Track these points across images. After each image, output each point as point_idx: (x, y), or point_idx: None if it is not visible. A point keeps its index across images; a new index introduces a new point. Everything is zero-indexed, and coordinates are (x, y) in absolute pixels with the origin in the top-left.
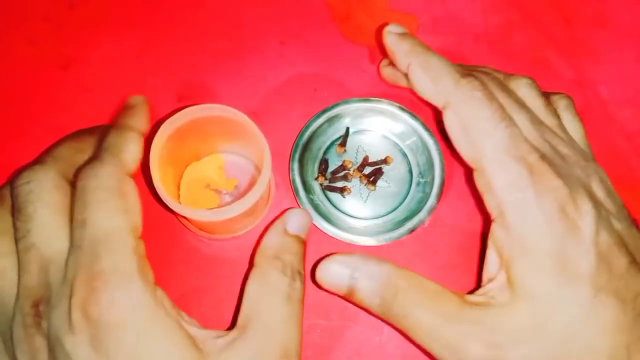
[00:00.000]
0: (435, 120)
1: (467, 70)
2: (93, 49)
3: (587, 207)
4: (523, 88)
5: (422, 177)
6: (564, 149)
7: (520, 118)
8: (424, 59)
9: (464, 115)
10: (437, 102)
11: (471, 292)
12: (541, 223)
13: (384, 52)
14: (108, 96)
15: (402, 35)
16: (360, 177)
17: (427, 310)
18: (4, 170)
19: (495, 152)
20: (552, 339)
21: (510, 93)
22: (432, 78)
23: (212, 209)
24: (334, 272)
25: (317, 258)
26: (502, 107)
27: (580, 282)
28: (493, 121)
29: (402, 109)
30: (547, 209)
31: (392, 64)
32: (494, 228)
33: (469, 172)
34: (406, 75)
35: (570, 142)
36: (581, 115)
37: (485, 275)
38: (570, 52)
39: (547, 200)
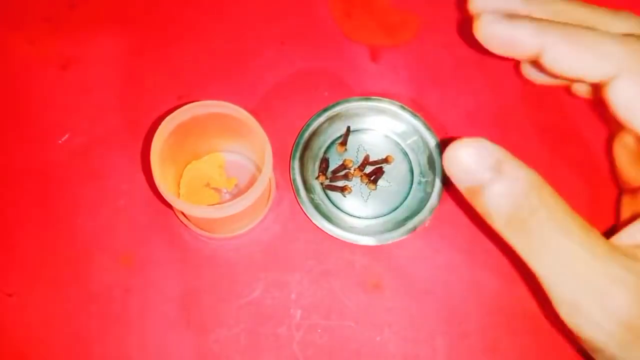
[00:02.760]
0: (437, 119)
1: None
2: (93, 49)
3: None
4: None
5: (423, 176)
6: None
7: None
8: (563, 32)
9: None
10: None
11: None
12: None
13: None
14: (108, 96)
15: (508, 17)
16: (361, 176)
17: (574, 240)
18: (4, 170)
19: None
20: None
21: None
22: (586, 48)
23: (213, 204)
24: (467, 159)
25: (317, 258)
26: None
27: None
28: None
29: (403, 108)
30: None
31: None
32: None
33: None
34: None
35: None
36: (581, 114)
37: (635, 237)
38: None
39: None
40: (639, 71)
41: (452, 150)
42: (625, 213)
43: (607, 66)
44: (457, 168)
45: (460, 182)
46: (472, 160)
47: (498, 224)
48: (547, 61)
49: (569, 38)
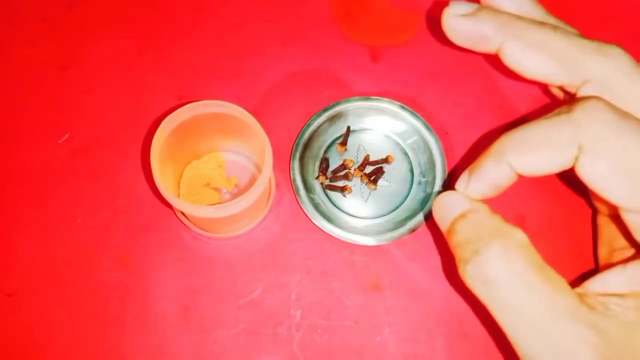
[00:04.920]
0: (436, 119)
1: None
2: (92, 49)
3: None
4: None
5: (424, 176)
6: None
7: None
8: (523, 32)
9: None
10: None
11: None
12: None
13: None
14: (107, 96)
15: (474, 13)
16: (361, 176)
17: (538, 296)
18: (4, 170)
19: None
20: None
21: None
22: (545, 53)
23: (213, 204)
24: None
25: (317, 258)
26: None
27: None
28: None
29: (404, 108)
30: None
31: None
32: None
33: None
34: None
35: None
36: None
37: (605, 286)
38: None
39: None
40: (599, 142)
41: (435, 200)
42: (602, 236)
43: (570, 76)
44: (435, 214)
45: (440, 225)
46: (444, 209)
47: (460, 271)
48: (505, 60)
49: (525, 40)
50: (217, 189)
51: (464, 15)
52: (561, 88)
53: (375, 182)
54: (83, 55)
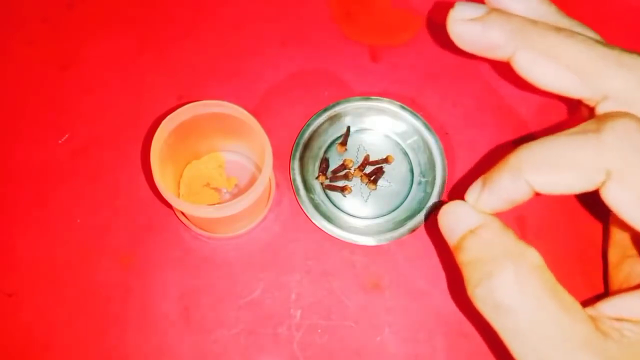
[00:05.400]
0: (436, 118)
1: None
2: (92, 49)
3: None
4: None
5: (424, 176)
6: None
7: None
8: (537, 40)
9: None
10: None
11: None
12: None
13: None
14: (107, 96)
15: (483, 17)
16: (361, 176)
17: (553, 324)
18: (4, 170)
19: None
20: None
21: None
22: (561, 68)
23: (213, 204)
24: None
25: (317, 258)
26: None
27: None
28: None
29: (404, 108)
30: None
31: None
32: None
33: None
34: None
35: None
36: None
37: (621, 311)
38: None
39: None
40: (629, 170)
41: (442, 210)
42: (615, 239)
43: (589, 91)
44: (442, 226)
45: (447, 239)
46: (452, 221)
47: (469, 291)
48: (517, 69)
49: (539, 49)
50: (217, 189)
51: (471, 19)
52: (578, 101)
53: (375, 182)
54: (83, 55)
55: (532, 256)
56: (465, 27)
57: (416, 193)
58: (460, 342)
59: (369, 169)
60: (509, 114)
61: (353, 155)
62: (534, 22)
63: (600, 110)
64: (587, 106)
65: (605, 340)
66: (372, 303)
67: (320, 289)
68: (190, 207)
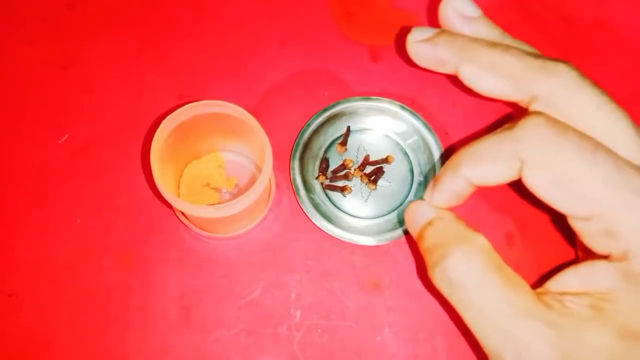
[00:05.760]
0: (436, 119)
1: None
2: (92, 49)
3: None
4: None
5: (424, 176)
6: None
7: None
8: (477, 54)
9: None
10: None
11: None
12: None
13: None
14: (107, 96)
15: (433, 38)
16: (361, 176)
17: (496, 294)
18: (4, 170)
19: (619, 193)
20: None
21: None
22: (498, 74)
23: (213, 204)
24: None
25: (317, 258)
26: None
27: None
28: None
29: (403, 108)
30: None
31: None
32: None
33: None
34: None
35: None
36: None
37: (562, 286)
38: (570, 52)
39: None
40: (539, 156)
41: (406, 209)
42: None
43: (520, 94)
44: (406, 222)
45: (411, 232)
46: (414, 216)
47: (429, 274)
48: (463, 80)
49: (478, 62)
50: (217, 189)
51: (424, 40)
52: (516, 104)
53: (375, 182)
54: (83, 55)
55: (480, 240)
56: (419, 47)
57: (416, 193)
58: (460, 342)
59: (369, 169)
60: (508, 114)
61: (353, 155)
62: (474, 40)
63: (531, 110)
64: (521, 107)
65: (548, 310)
66: (372, 303)
67: (320, 289)
68: (190, 207)
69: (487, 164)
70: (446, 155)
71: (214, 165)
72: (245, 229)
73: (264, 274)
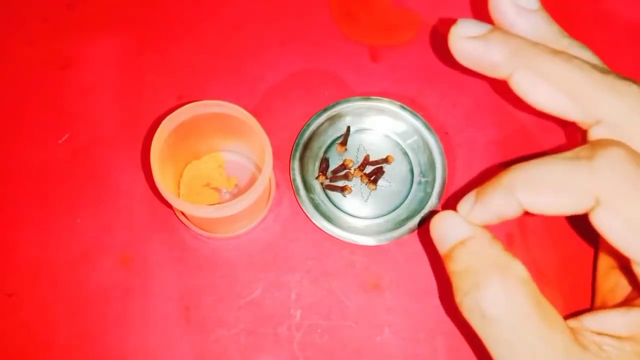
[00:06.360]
0: (436, 118)
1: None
2: (92, 49)
3: None
4: None
5: (424, 176)
6: None
7: None
8: (535, 61)
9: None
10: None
11: (568, 316)
12: None
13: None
14: (108, 96)
15: (485, 36)
16: (361, 176)
17: (535, 335)
18: (4, 170)
19: None
20: None
21: None
22: (560, 94)
23: (213, 204)
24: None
25: (317, 258)
26: None
27: None
28: None
29: (404, 108)
30: None
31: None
32: None
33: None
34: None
35: None
36: None
37: (603, 326)
38: None
39: None
40: (618, 198)
41: (435, 219)
42: (600, 266)
43: (582, 115)
44: (433, 234)
45: (438, 247)
46: (444, 231)
47: (457, 300)
48: (514, 88)
49: (536, 71)
50: (217, 189)
51: (472, 37)
52: (572, 123)
53: (375, 182)
54: (83, 55)
55: (518, 269)
56: (466, 44)
57: (416, 193)
58: (460, 342)
59: (369, 169)
60: (509, 114)
61: (353, 155)
62: (533, 44)
63: (592, 133)
64: (580, 129)
65: (584, 352)
66: (372, 303)
67: (320, 289)
68: (190, 207)
69: (552, 195)
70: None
71: (214, 165)
72: (245, 229)
73: (264, 274)
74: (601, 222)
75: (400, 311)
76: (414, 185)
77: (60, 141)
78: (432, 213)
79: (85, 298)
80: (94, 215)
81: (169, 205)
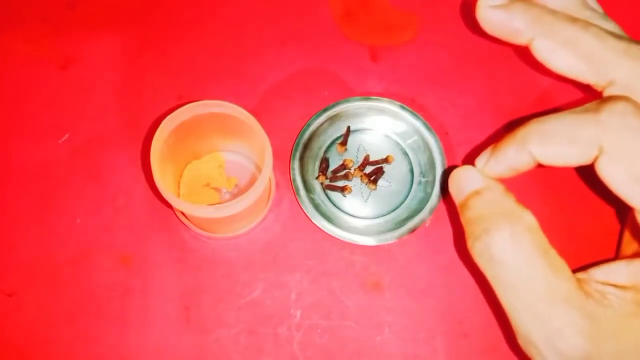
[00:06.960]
0: (436, 119)
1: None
2: (92, 49)
3: None
4: None
5: (424, 176)
6: None
7: None
8: (554, 29)
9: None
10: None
11: (575, 270)
12: None
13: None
14: (108, 96)
15: (507, 5)
16: (361, 176)
17: (537, 278)
18: (4, 170)
19: None
20: None
21: None
22: (577, 54)
23: (213, 204)
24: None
25: (317, 258)
26: None
27: None
28: None
29: (403, 108)
30: None
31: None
32: None
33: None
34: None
35: None
36: None
37: (608, 276)
38: None
39: None
40: (620, 147)
41: (453, 173)
42: (625, 249)
43: (597, 76)
44: (451, 187)
45: (455, 198)
46: (460, 182)
47: (469, 245)
48: (535, 54)
49: (555, 38)
50: (217, 189)
51: (497, 6)
52: (588, 86)
53: (375, 182)
54: (83, 55)
55: (528, 218)
56: (491, 13)
57: (416, 193)
58: (460, 342)
59: (369, 169)
60: (509, 114)
61: (353, 155)
62: (553, 12)
63: (606, 94)
64: (595, 91)
65: (586, 299)
66: (372, 303)
67: (320, 289)
68: (190, 207)
69: (561, 145)
70: (448, 160)
71: (214, 165)
72: (245, 229)
73: (264, 274)
74: (605, 171)
75: (400, 311)
76: (414, 185)
77: (60, 141)
78: (451, 169)
79: (85, 298)
80: (94, 215)
81: (169, 205)
